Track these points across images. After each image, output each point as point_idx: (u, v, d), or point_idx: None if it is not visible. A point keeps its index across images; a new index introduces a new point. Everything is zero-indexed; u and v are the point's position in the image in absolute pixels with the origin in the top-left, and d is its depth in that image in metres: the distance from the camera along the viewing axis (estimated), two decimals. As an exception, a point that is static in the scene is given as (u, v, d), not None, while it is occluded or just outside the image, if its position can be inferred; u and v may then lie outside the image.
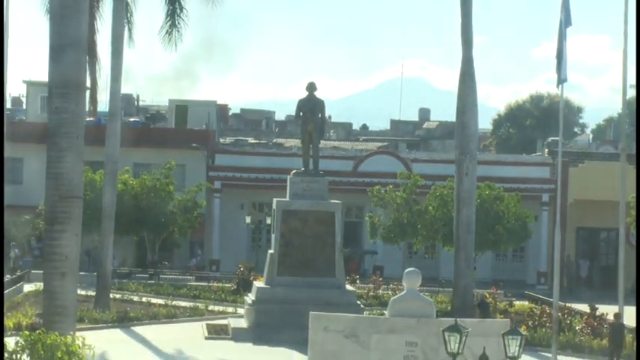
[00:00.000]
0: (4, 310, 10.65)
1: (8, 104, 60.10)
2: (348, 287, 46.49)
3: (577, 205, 65.07)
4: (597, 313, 46.28)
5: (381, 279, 56.79)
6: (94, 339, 28.70)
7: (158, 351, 40.30)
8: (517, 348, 22.23)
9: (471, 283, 48.00)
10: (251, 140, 79.89)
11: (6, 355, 11.69)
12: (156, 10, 49.13)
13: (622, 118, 53.23)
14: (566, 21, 41.39)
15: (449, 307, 44.68)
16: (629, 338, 40.14)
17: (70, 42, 24.27)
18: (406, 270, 28.73)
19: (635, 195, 55.08)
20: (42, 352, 10.65)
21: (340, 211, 46.29)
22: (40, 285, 30.77)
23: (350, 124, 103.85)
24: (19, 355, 10.73)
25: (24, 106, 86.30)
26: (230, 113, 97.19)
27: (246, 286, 50.24)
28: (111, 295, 48.76)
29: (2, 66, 12.37)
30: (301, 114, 47.72)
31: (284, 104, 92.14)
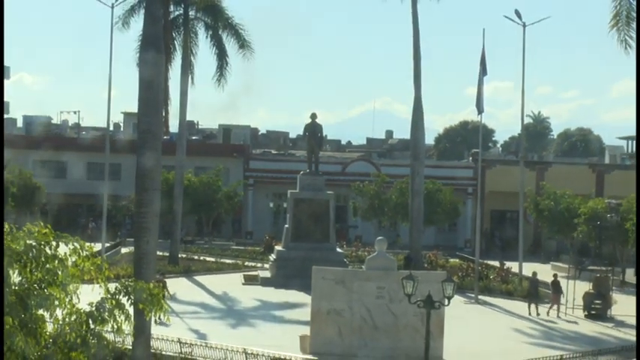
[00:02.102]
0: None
1: (111, 127, 59.82)
2: (338, 250, 48.03)
3: (491, 195, 66.66)
4: (504, 267, 46.68)
5: (360, 244, 58.20)
6: (168, 284, 29.06)
7: (211, 292, 41.63)
8: (451, 291, 22.38)
9: (420, 247, 48.35)
10: (273, 152, 79.83)
11: (108, 295, 10.63)
12: (209, 62, 49.04)
13: (521, 137, 54.93)
14: (483, 72, 41.87)
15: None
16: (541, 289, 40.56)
17: (152, 93, 24.51)
18: (377, 238, 30.08)
19: (530, 188, 55.44)
20: (133, 294, 10.14)
21: (333, 199, 47.95)
22: (132, 248, 30.73)
23: (339, 141, 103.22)
24: (117, 296, 10.06)
25: (121, 129, 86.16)
26: (259, 133, 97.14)
27: (270, 250, 52.04)
28: (179, 255, 49.57)
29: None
30: (307, 134, 49.54)
31: (295, 127, 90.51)
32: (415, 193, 48.22)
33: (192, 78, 51.58)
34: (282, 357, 25.74)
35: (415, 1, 47.42)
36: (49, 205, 60.39)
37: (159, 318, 11.32)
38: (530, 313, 37.99)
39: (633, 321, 37.07)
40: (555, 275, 40.99)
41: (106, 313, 10.11)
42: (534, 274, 40.89)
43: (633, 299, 43.36)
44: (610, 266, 49.84)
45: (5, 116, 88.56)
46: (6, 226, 10.62)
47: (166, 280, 35.22)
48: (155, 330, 23.15)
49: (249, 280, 44.69)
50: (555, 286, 39.04)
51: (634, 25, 25.06)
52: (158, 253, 28.12)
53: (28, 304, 9.77)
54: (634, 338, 33.36)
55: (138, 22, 47.46)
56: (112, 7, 46.30)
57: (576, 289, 39.19)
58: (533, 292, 39.16)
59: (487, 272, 47.36)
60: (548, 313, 38.06)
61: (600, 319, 37.50)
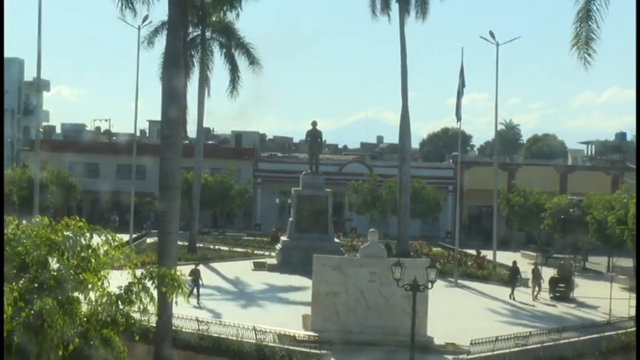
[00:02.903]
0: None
1: (137, 133, 59.58)
2: (336, 240, 47.88)
3: (468, 192, 66.93)
4: (480, 255, 46.95)
5: (354, 235, 58.17)
6: (186, 270, 29.19)
7: (224, 277, 41.64)
8: (434, 276, 22.44)
9: (407, 237, 48.37)
10: (279, 154, 79.58)
11: (135, 280, 10.70)
12: (223, 76, 49.17)
13: (494, 142, 54.71)
14: (462, 85, 41.91)
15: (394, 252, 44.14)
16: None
17: (173, 104, 24.48)
18: (369, 230, 29.78)
19: (502, 186, 55.30)
20: (156, 279, 10.12)
21: (331, 196, 47.77)
22: (156, 239, 30.71)
23: (337, 145, 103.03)
24: (143, 281, 10.05)
25: (147, 134, 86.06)
26: (267, 138, 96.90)
27: (276, 240, 52.36)
28: (197, 244, 49.53)
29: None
30: (308, 139, 49.34)
31: (298, 133, 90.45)
32: (403, 191, 48.25)
33: (208, 90, 51.80)
34: (287, 333, 25.62)
35: (402, 24, 47.65)
36: (83, 201, 60.47)
37: (198, 303, 11.19)
38: (510, 297, 37.44)
39: (593, 302, 37.29)
40: (536, 264, 40.96)
41: (133, 296, 10.18)
42: (514, 263, 40.69)
43: (593, 283, 43.64)
44: (572, 254, 49.97)
45: (45, 124, 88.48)
46: (46, 219, 10.69)
47: (199, 268, 34.62)
48: (177, 310, 23.19)
49: (258, 267, 44.67)
50: (535, 272, 38.81)
51: (592, 44, 25.21)
52: (178, 242, 28.15)
53: (65, 287, 9.75)
54: (593, 317, 33.48)
55: (161, 42, 47.45)
56: (139, 29, 46.54)
57: (543, 274, 39.06)
58: (514, 279, 38.84)
59: (465, 260, 47.36)
60: (534, 297, 37.40)
61: (564, 301, 37.45)
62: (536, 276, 38.54)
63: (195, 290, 32.47)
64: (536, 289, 38.12)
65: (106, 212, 65.14)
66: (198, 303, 32.11)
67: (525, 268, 42.73)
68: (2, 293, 9.25)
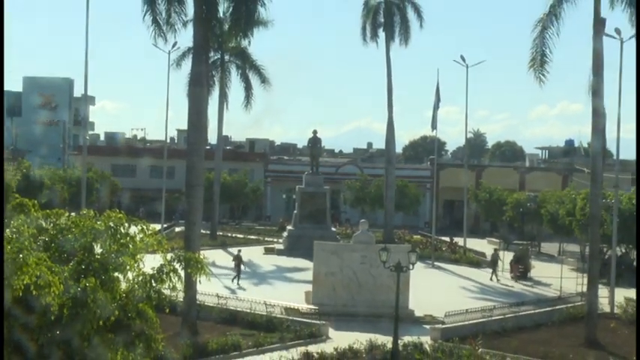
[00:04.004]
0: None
1: (168, 140, 59.30)
2: (333, 229, 47.98)
3: (443, 189, 66.34)
4: (453, 242, 46.92)
5: (348, 225, 57.68)
6: (208, 254, 29.16)
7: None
8: (414, 259, 22.40)
9: (392, 227, 48.72)
10: (285, 158, 79.32)
11: (166, 262, 10.48)
12: (239, 92, 49.30)
13: (465, 147, 54.14)
14: (437, 100, 42.15)
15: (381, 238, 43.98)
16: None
17: (197, 116, 24.62)
18: (361, 220, 29.44)
19: (471, 184, 55.38)
20: (183, 261, 10.09)
21: (329, 192, 48.06)
22: (183, 228, 30.59)
23: (334, 150, 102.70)
24: (172, 263, 10.05)
25: (175, 141, 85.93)
26: (275, 144, 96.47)
27: (283, 229, 51.54)
28: (217, 232, 50.00)
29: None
30: (310, 145, 49.42)
31: (302, 140, 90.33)
32: (388, 188, 48.04)
33: (226, 104, 52.02)
34: (292, 307, 25.64)
35: (388, 49, 47.41)
36: (122, 196, 60.35)
37: (238, 284, 10.79)
38: (491, 279, 36.83)
39: (546, 281, 37.29)
40: (495, 250, 40.55)
41: (164, 276, 10.15)
42: (496, 250, 40.41)
43: (546, 265, 43.59)
44: (529, 241, 49.99)
45: (91, 132, 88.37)
46: (91, 212, 10.73)
47: (241, 254, 33.94)
48: (219, 289, 22.64)
49: (268, 251, 44.42)
50: (517, 258, 38.51)
51: (546, 66, 25.30)
52: (201, 231, 28.02)
53: (107, 268, 9.77)
54: (547, 293, 33.58)
55: (187, 64, 47.23)
56: (169, 54, 46.49)
57: (505, 258, 39.32)
58: (494, 263, 38.09)
59: (440, 245, 47.36)
60: (491, 278, 36.82)
61: (522, 280, 37.40)
62: (494, 260, 38.17)
63: (238, 274, 32.14)
64: (495, 271, 37.68)
65: (141, 206, 65.19)
66: (237, 283, 31.89)
67: (491, 253, 42.62)
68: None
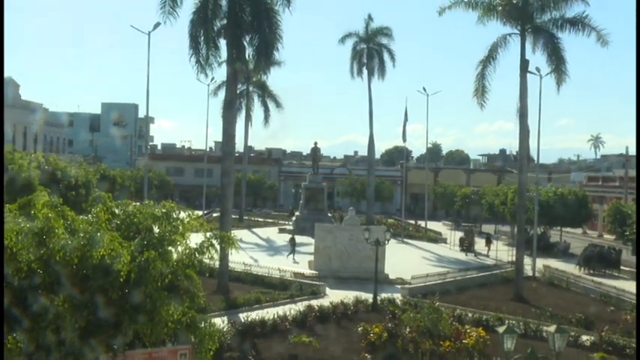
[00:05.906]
0: None
1: (208, 149, 58.80)
2: (329, 214, 47.19)
3: (410, 185, 65.47)
4: (417, 224, 47.10)
5: (340, 212, 55.76)
6: (237, 233, 28.86)
7: (260, 237, 41.39)
8: (389, 236, 23.07)
9: (372, 213, 48.26)
10: (294, 162, 78.99)
11: (206, 239, 9.72)
12: (259, 113, 48.80)
13: (426, 155, 53.73)
14: (406, 119, 43.27)
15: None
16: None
17: (229, 132, 24.09)
18: (349, 208, 29.34)
19: (431, 182, 54.78)
20: (218, 238, 9.95)
21: (326, 188, 47.36)
22: (219, 214, 30.20)
23: (329, 156, 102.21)
24: (211, 239, 9.94)
25: (213, 150, 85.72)
26: (287, 152, 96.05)
27: (292, 214, 50.76)
28: (243, 217, 50.11)
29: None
30: (312, 152, 48.89)
31: (306, 149, 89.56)
32: (369, 185, 47.89)
33: (250, 122, 52.11)
34: (299, 272, 25.52)
35: (370, 82, 46.93)
36: (174, 192, 60.19)
37: (294, 259, 10.07)
38: (466, 254, 35.47)
39: (485, 252, 36.94)
40: (464, 231, 39.54)
41: (205, 249, 10.13)
42: (471, 229, 39.68)
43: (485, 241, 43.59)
44: (473, 223, 49.95)
45: (151, 143, 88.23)
46: (151, 202, 10.65)
47: (295, 236, 32.92)
48: (281, 263, 21.20)
49: (281, 231, 43.86)
50: (488, 237, 37.67)
51: (485, 94, 25.32)
52: (232, 216, 27.68)
53: (163, 244, 9.58)
54: (486, 262, 33.26)
55: (221, 93, 47.17)
56: (208, 86, 46.49)
57: (455, 236, 39.61)
58: (469, 242, 37.06)
59: (408, 226, 47.07)
60: (487, 254, 35.13)
61: (468, 252, 37.13)
62: (468, 237, 36.99)
63: (293, 250, 30.99)
64: (487, 249, 35.67)
65: (189, 198, 65.06)
66: (294, 259, 30.55)
67: (445, 232, 42.57)
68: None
